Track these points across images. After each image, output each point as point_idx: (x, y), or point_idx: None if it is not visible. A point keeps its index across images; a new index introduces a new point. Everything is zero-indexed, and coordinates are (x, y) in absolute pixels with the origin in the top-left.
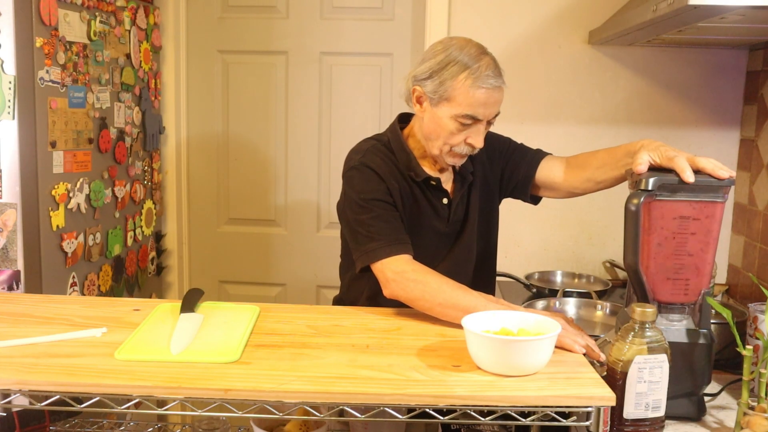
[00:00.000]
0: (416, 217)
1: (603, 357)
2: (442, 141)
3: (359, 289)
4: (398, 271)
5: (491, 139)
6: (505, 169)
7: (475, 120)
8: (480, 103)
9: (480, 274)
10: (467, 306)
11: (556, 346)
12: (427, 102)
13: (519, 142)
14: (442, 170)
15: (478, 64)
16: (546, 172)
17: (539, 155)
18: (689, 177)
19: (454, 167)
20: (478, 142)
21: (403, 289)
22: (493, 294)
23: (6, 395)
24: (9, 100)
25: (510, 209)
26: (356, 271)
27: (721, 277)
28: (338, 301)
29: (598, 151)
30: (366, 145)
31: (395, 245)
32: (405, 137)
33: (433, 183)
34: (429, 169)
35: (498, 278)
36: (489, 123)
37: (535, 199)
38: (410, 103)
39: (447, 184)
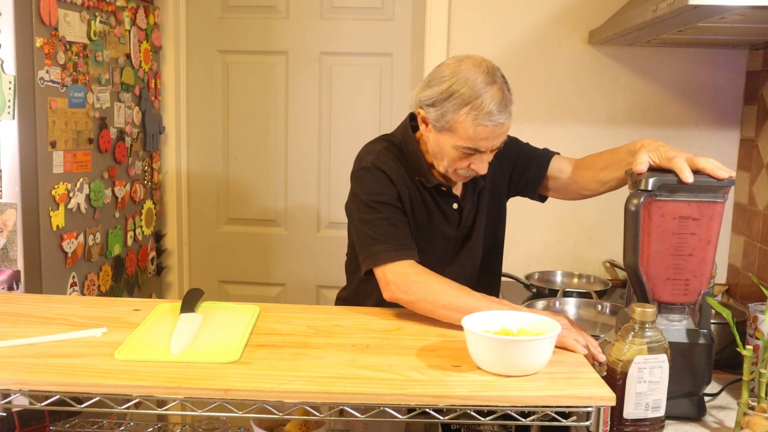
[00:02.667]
0: (426, 222)
1: (603, 358)
2: (446, 163)
3: (367, 291)
4: (400, 273)
5: None
6: (514, 171)
7: (478, 151)
8: (481, 138)
9: (485, 273)
10: (470, 308)
11: (557, 346)
12: (433, 127)
13: (524, 141)
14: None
15: (481, 99)
16: (556, 172)
17: (548, 155)
18: (688, 177)
19: None
20: (482, 169)
21: (404, 291)
22: (497, 292)
23: (6, 395)
24: (9, 100)
25: (510, 209)
26: (361, 273)
27: (721, 277)
28: (344, 299)
29: (603, 152)
30: (379, 147)
31: (400, 250)
32: (417, 141)
33: (444, 189)
34: (440, 176)
35: None
36: (495, 150)
37: (542, 198)
38: (421, 128)
39: (457, 189)
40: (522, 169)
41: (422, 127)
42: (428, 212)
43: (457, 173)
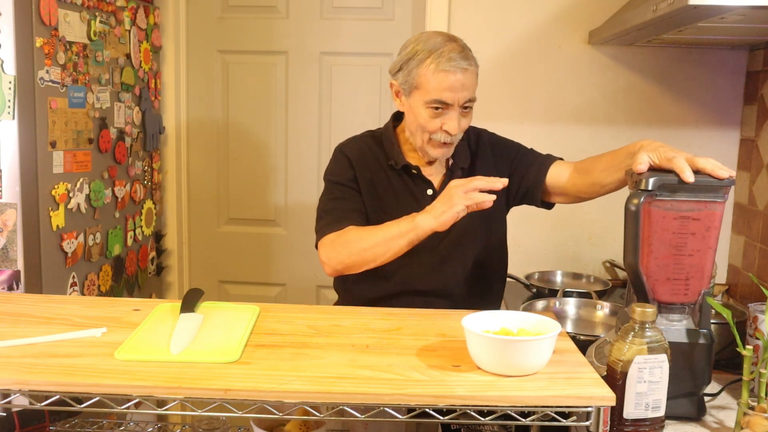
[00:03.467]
0: (393, 206)
1: (500, 185)
2: (420, 130)
3: (342, 277)
4: (326, 244)
5: (500, 144)
6: (514, 176)
7: (445, 105)
8: (446, 87)
9: (481, 270)
10: (384, 238)
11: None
12: (403, 94)
13: (529, 147)
14: (431, 162)
15: (440, 50)
16: (554, 177)
17: (548, 161)
18: (689, 177)
19: (447, 161)
20: (452, 128)
21: (334, 258)
22: (497, 293)
23: (6, 395)
24: (9, 100)
25: (510, 209)
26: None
27: (721, 277)
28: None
29: (603, 155)
30: (356, 135)
31: (337, 223)
32: (397, 130)
33: (414, 172)
34: (415, 160)
35: None
36: (465, 109)
37: (547, 205)
38: (396, 103)
39: (434, 176)
40: (522, 175)
41: (397, 102)
42: (396, 196)
43: (432, 142)
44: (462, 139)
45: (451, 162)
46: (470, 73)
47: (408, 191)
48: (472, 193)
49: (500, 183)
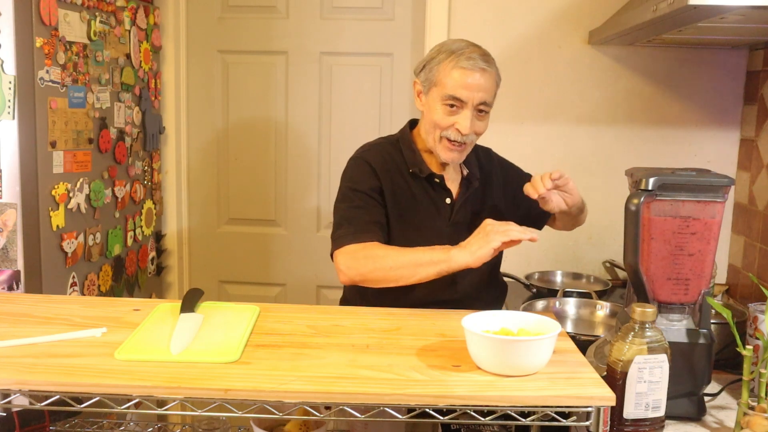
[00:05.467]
0: (413, 214)
1: (534, 236)
2: (433, 127)
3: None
4: (348, 253)
5: (509, 168)
6: (522, 201)
7: (460, 102)
8: (462, 84)
9: (488, 280)
10: (413, 261)
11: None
12: (423, 93)
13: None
14: (443, 168)
15: (463, 50)
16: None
17: None
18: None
19: (461, 170)
20: (464, 127)
21: (353, 268)
22: (502, 302)
23: (6, 395)
24: (9, 100)
25: None
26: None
27: (721, 277)
28: (344, 301)
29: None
30: (373, 142)
31: (360, 234)
32: (413, 137)
33: (437, 180)
34: (435, 167)
35: None
36: (480, 112)
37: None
38: (416, 102)
39: (451, 183)
40: (529, 205)
41: (418, 103)
42: (417, 204)
43: (443, 141)
44: (472, 155)
45: (466, 172)
46: (489, 75)
47: (429, 199)
48: (508, 231)
49: (534, 236)
